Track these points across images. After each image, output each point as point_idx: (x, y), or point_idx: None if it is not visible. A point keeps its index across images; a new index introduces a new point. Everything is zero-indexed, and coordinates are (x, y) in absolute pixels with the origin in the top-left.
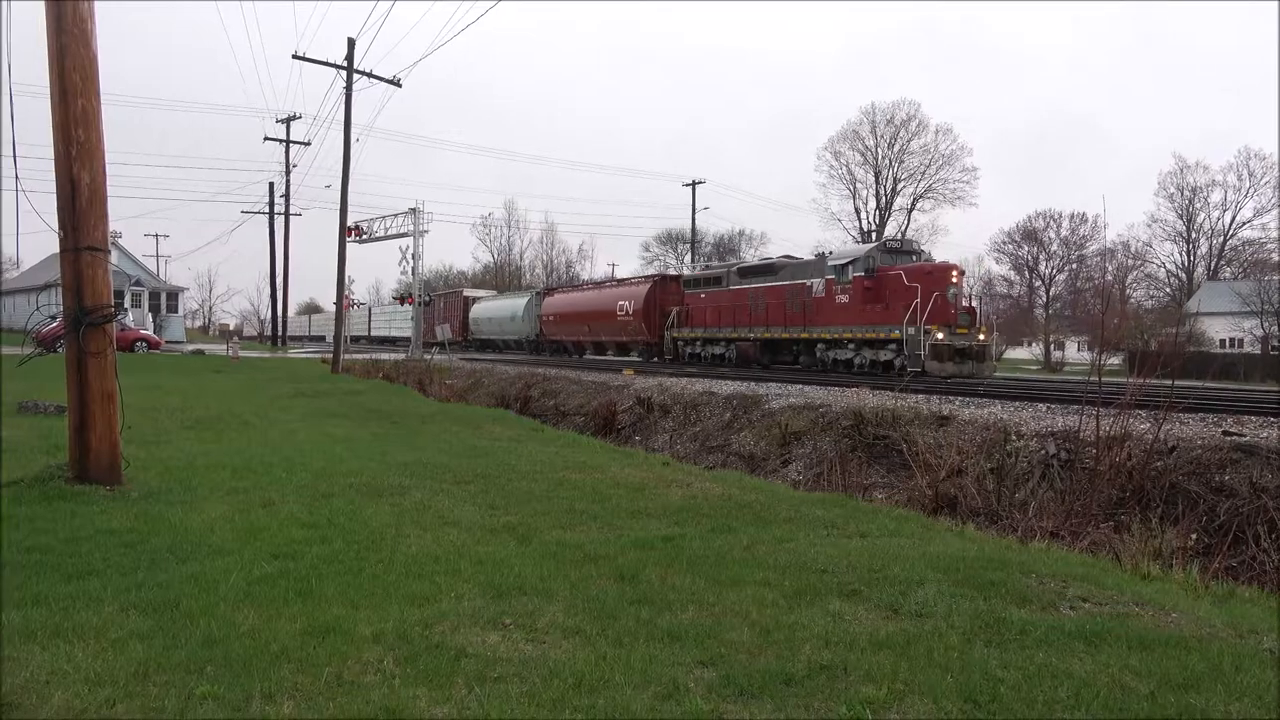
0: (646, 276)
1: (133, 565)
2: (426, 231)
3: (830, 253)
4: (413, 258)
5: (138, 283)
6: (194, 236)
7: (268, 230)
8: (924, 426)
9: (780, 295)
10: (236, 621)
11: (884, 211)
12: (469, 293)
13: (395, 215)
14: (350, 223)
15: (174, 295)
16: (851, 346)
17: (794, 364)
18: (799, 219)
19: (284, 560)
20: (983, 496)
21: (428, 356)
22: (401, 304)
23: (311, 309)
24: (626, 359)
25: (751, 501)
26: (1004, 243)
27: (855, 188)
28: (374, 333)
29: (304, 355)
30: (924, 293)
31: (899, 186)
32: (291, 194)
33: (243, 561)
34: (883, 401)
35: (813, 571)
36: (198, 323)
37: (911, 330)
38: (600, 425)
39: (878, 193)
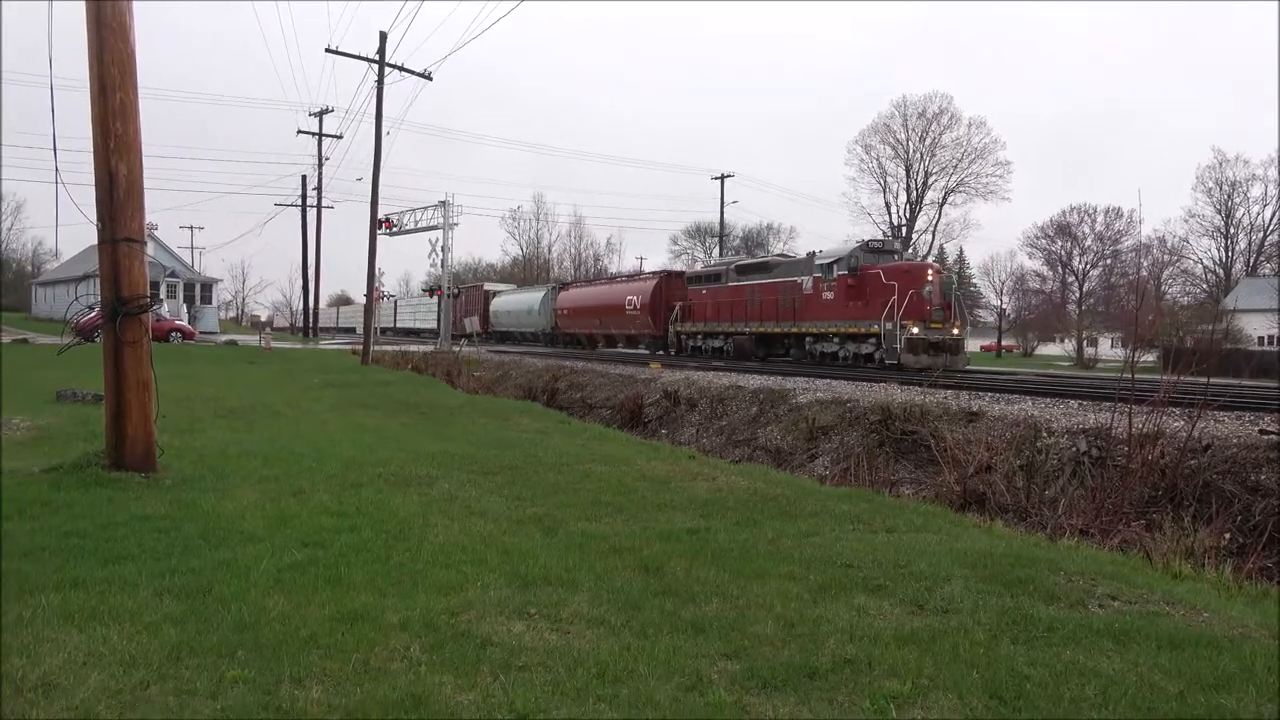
0: (654, 272)
1: (166, 551)
2: (456, 224)
3: (819, 252)
4: (442, 250)
5: (173, 274)
6: (228, 229)
7: (300, 223)
8: (953, 422)
9: (774, 292)
10: (267, 607)
11: (914, 206)
12: (489, 287)
13: (425, 208)
14: (380, 215)
15: (208, 287)
16: (836, 340)
17: (785, 356)
18: (829, 214)
19: (313, 548)
20: (1011, 493)
21: (455, 349)
22: (431, 295)
23: (342, 301)
24: (636, 351)
25: (777, 495)
26: (1037, 237)
27: (886, 182)
28: (400, 324)
29: (334, 347)
30: (901, 290)
31: (930, 180)
32: (323, 187)
33: (273, 548)
34: (911, 397)
35: (838, 566)
36: (231, 314)
37: (889, 325)
38: (627, 418)
39: (908, 187)
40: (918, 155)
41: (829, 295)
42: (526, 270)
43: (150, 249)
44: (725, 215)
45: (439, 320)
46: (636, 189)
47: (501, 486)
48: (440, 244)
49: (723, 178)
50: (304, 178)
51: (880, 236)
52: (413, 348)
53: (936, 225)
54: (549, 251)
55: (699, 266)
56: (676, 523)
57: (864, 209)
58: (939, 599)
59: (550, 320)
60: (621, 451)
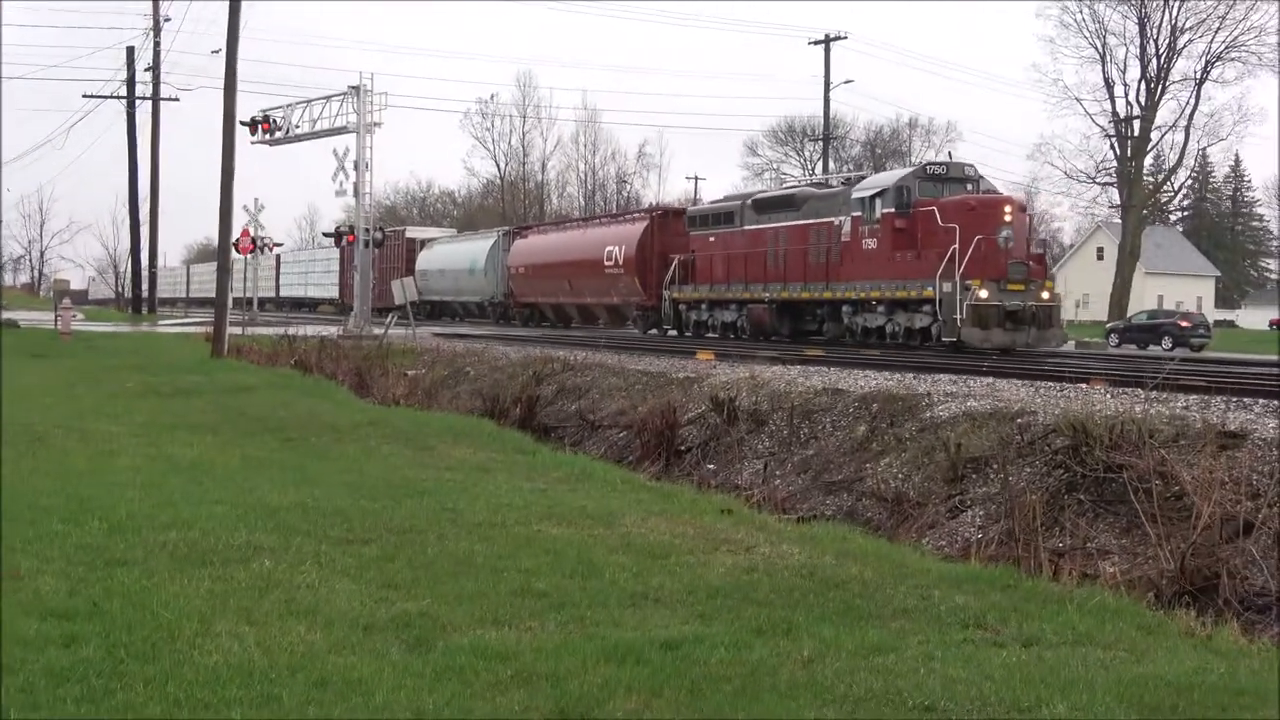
0: (643, 210)
1: None
2: (378, 125)
3: (859, 179)
4: (354, 168)
5: None
6: (12, 136)
7: (125, 127)
8: (1193, 451)
9: (803, 238)
10: None
11: (1153, 84)
12: (414, 233)
13: (329, 98)
14: (256, 111)
15: None
16: (881, 309)
17: (817, 334)
18: (1012, 100)
19: None
20: (1275, 575)
21: (379, 330)
22: (341, 244)
23: (206, 255)
24: (622, 331)
25: (849, 578)
26: None
27: (1105, 47)
28: (284, 291)
29: (180, 328)
30: (964, 235)
31: (1181, 42)
32: (162, 66)
33: None
34: (1126, 407)
35: (908, 710)
36: (22, 277)
37: (947, 286)
38: (651, 444)
39: (1142, 54)
40: (1157, 3)
41: (871, 243)
42: (509, 202)
43: None
44: (838, 104)
45: (349, 285)
46: (685, 64)
47: (368, 564)
48: (350, 157)
49: (827, 41)
50: (130, 51)
51: (950, 159)
52: (307, 329)
53: (1192, 116)
54: (542, 169)
55: (706, 203)
56: (651, 628)
57: (1068, 91)
58: None
59: (501, 284)
60: (604, 502)
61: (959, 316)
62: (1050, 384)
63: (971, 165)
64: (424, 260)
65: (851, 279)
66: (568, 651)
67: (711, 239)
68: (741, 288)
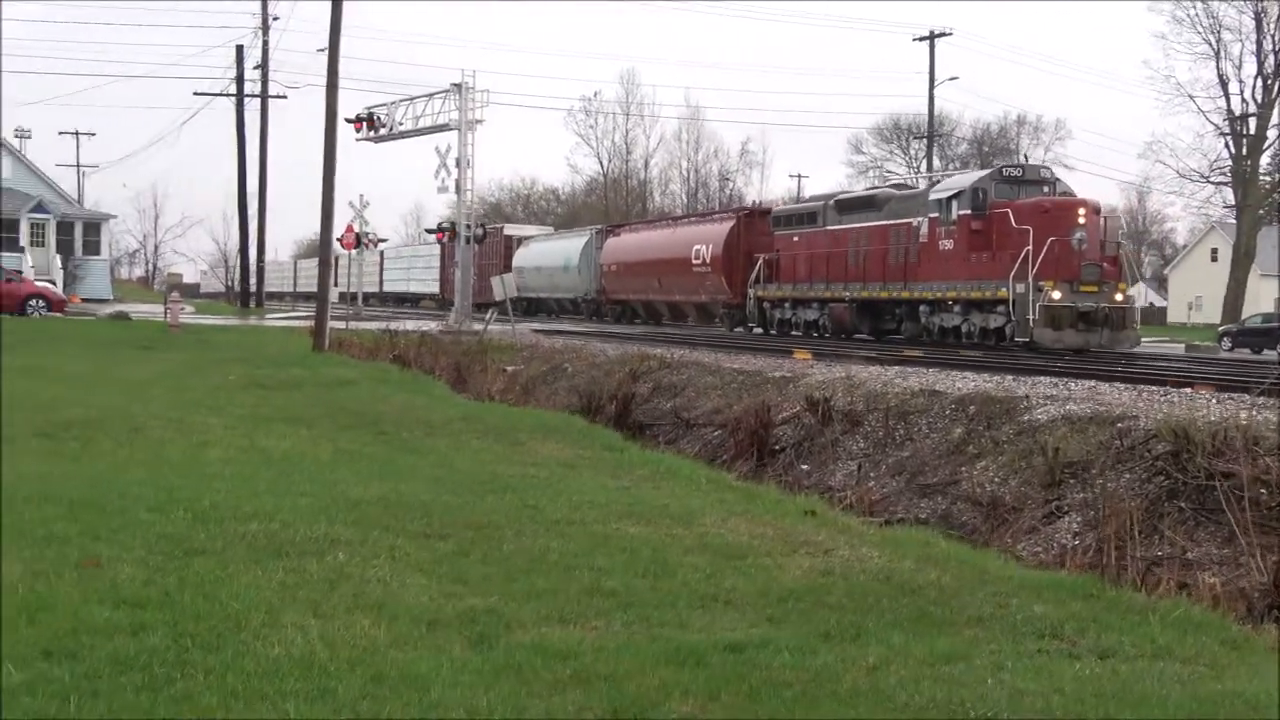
0: (730, 210)
1: None
2: (480, 122)
3: (938, 180)
4: (456, 165)
5: (40, 207)
6: (129, 135)
7: (235, 124)
8: None
9: (883, 238)
10: None
11: (1270, 80)
12: (513, 230)
13: (431, 95)
14: (361, 109)
15: (95, 227)
16: (958, 309)
17: (896, 333)
18: (1121, 98)
19: (55, 662)
20: None
21: (479, 326)
22: (444, 239)
23: (313, 250)
24: (709, 330)
25: (926, 584)
26: None
27: (1219, 42)
28: (387, 287)
29: (285, 322)
30: (1037, 237)
31: None
32: (273, 65)
33: None
34: (1230, 413)
35: None
36: (138, 270)
37: (1020, 287)
38: (744, 443)
39: (1259, 49)
40: None
41: (947, 244)
42: (609, 199)
43: (5, 167)
44: (943, 101)
45: (449, 280)
46: (789, 60)
47: (442, 559)
48: (452, 154)
49: (932, 37)
50: (239, 50)
51: (1027, 161)
52: (408, 324)
53: None
54: (645, 167)
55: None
56: (717, 631)
57: (1181, 88)
58: None
59: (594, 281)
60: (685, 501)
61: (1031, 317)
62: (1154, 388)
63: (1048, 168)
64: (520, 257)
65: (929, 279)
66: (629, 652)
67: (795, 238)
68: (823, 287)
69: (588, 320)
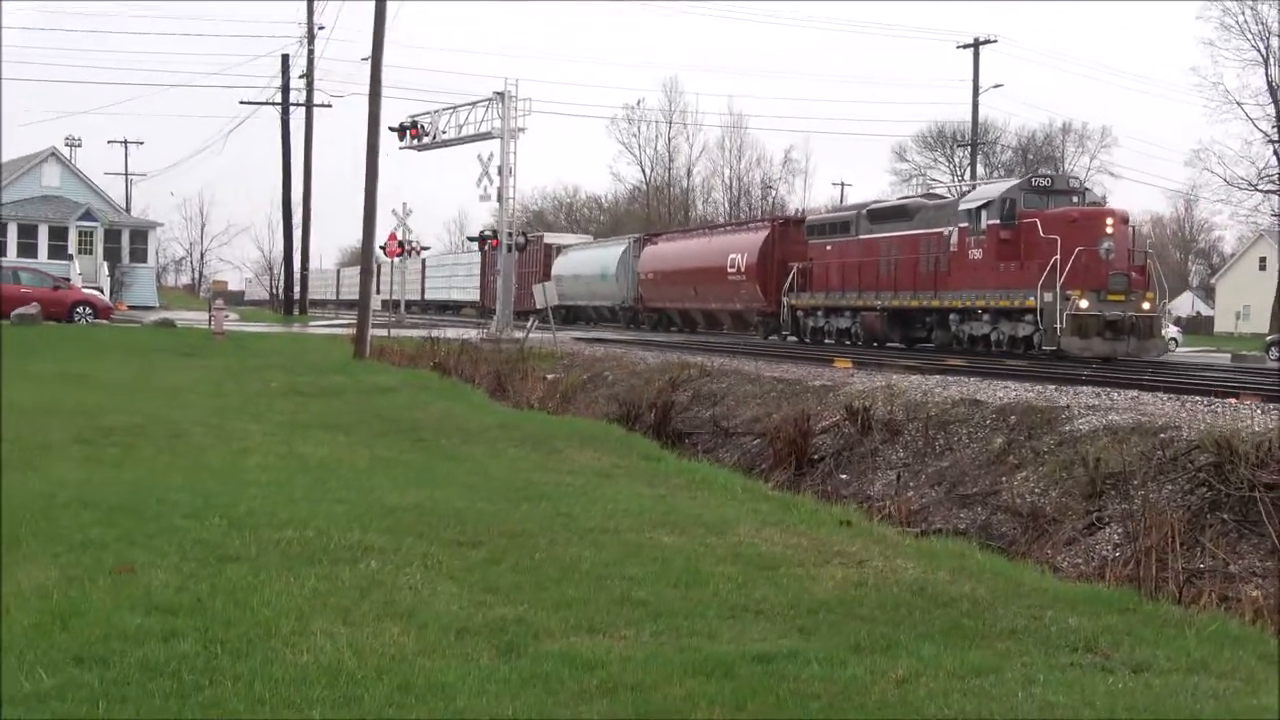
0: (765, 219)
1: None
2: (522, 130)
3: (968, 190)
4: (498, 173)
5: (88, 215)
6: (176, 143)
7: (280, 132)
8: None
9: (914, 248)
10: None
11: None
12: (552, 239)
13: (474, 104)
14: (405, 117)
15: (142, 234)
16: (986, 318)
17: (926, 341)
18: (1168, 105)
19: (83, 668)
20: None
21: (519, 334)
22: (485, 247)
23: (357, 259)
24: (745, 338)
25: (960, 596)
26: None
27: (1268, 49)
28: (429, 295)
29: (328, 329)
30: (1065, 246)
31: None
32: (318, 74)
33: (12, 670)
34: (1275, 423)
35: None
36: (184, 278)
37: (1048, 296)
38: (783, 452)
39: None
40: None
41: (976, 254)
42: (652, 208)
43: (55, 175)
44: (988, 109)
45: (489, 288)
46: (832, 68)
47: (473, 567)
48: (494, 162)
49: (976, 44)
50: (285, 59)
51: (1056, 171)
52: (449, 332)
53: None
54: (688, 176)
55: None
56: (746, 641)
57: (1229, 95)
58: None
59: (631, 289)
60: (721, 511)
61: (1059, 325)
62: (1197, 398)
63: (1077, 177)
64: (559, 266)
65: (959, 288)
66: (657, 662)
67: (828, 247)
68: (855, 295)
69: (625, 328)
